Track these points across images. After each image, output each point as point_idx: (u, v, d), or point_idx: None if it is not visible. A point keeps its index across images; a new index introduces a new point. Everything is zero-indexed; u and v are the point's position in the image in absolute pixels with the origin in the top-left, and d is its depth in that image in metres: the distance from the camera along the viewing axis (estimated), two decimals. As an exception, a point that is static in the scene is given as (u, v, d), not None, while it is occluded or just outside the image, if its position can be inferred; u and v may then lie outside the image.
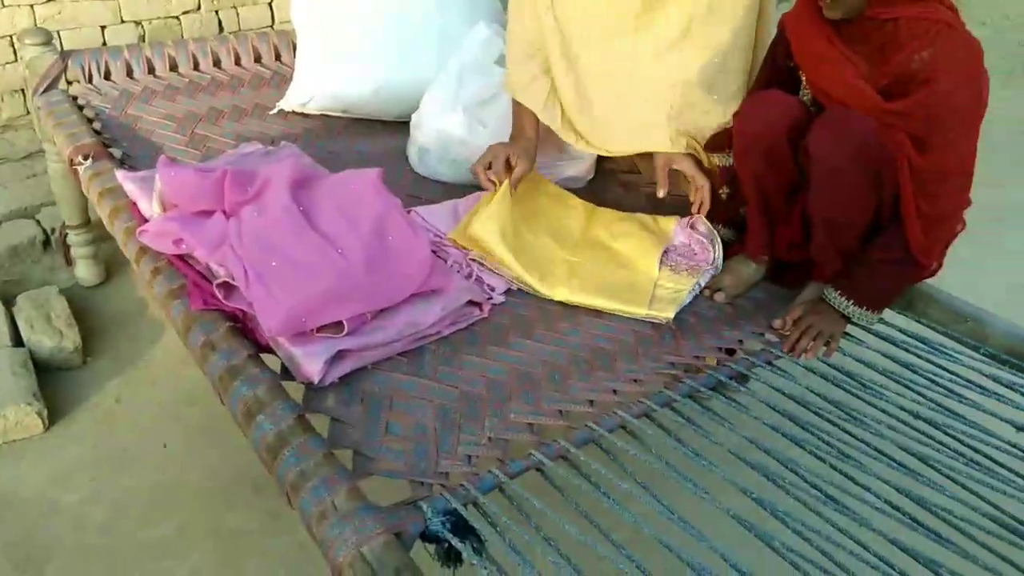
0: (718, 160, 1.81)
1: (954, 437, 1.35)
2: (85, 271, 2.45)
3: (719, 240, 1.79)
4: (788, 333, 1.60)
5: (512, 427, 1.32)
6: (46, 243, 2.54)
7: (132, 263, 1.61)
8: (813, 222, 1.60)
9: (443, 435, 1.29)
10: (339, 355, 1.37)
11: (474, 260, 1.71)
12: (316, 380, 1.33)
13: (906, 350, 1.58)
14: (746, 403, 1.43)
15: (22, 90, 2.76)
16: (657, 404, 1.39)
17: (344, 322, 1.37)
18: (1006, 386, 1.47)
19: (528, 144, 1.84)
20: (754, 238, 1.73)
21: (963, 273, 2.27)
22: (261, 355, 1.39)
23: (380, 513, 1.07)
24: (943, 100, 1.42)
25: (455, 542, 1.08)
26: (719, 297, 1.71)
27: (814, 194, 1.56)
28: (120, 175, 1.71)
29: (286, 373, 1.37)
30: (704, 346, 1.58)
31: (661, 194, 1.81)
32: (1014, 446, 1.33)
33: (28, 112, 2.75)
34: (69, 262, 2.49)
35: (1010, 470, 1.30)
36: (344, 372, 1.37)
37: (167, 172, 1.56)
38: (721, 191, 1.81)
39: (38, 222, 2.57)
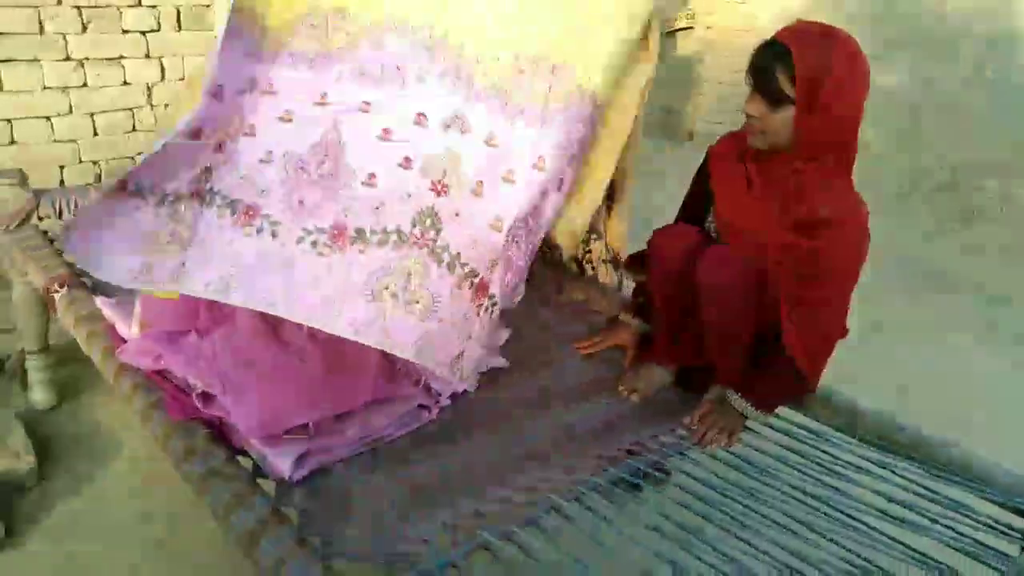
0: (635, 278, 2.12)
1: (833, 507, 1.60)
2: (40, 395, 2.55)
3: None
4: (696, 428, 1.85)
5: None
6: (0, 369, 2.65)
7: (110, 381, 1.77)
8: (706, 334, 1.88)
9: (399, 525, 1.47)
10: (304, 456, 1.55)
11: None
12: (287, 477, 1.51)
13: (794, 438, 1.84)
14: (663, 489, 1.66)
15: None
16: (587, 488, 1.60)
17: (310, 425, 1.56)
18: (876, 464, 1.74)
19: None
20: (661, 347, 2.01)
21: (864, 375, 2.57)
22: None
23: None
24: (835, 249, 1.68)
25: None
26: (635, 397, 1.97)
27: (704, 311, 1.84)
28: (99, 301, 1.89)
29: (258, 472, 1.54)
30: (625, 440, 1.81)
31: None
32: (883, 512, 1.58)
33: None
34: (25, 386, 2.59)
35: (879, 531, 1.55)
36: (311, 469, 1.55)
37: (148, 296, 1.75)
38: (638, 299, 2.11)
39: (-8, 349, 2.68)
